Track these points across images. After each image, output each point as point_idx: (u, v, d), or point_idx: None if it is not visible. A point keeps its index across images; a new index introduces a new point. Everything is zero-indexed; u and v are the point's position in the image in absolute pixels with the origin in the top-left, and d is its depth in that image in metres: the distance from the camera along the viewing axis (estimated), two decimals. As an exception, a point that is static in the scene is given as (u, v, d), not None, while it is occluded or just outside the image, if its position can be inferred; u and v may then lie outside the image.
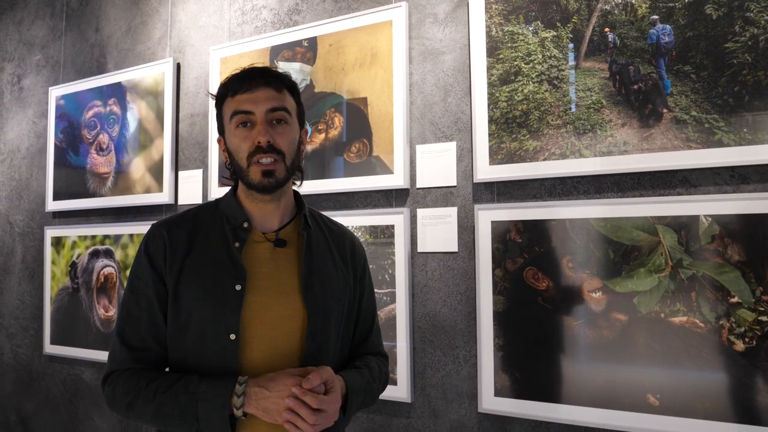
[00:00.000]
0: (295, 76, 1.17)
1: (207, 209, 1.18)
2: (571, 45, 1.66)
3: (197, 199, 2.35)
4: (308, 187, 2.03)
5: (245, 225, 1.13)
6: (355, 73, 1.99)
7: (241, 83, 1.10)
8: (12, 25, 3.12)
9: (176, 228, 1.13)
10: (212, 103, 2.44)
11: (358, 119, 1.97)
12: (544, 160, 1.65)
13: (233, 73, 1.13)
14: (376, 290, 1.86)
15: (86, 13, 2.81)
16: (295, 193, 1.23)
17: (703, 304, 1.44)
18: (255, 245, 1.13)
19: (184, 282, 1.08)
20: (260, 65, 1.14)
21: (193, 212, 1.18)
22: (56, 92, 2.81)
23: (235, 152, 1.10)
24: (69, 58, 2.84)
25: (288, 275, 1.12)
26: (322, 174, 2.02)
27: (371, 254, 1.90)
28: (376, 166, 1.92)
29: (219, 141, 1.18)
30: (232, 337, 1.04)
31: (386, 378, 1.28)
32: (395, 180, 1.87)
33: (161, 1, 2.56)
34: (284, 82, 1.13)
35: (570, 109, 1.63)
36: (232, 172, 1.16)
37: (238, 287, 1.07)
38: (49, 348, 2.73)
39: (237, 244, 1.11)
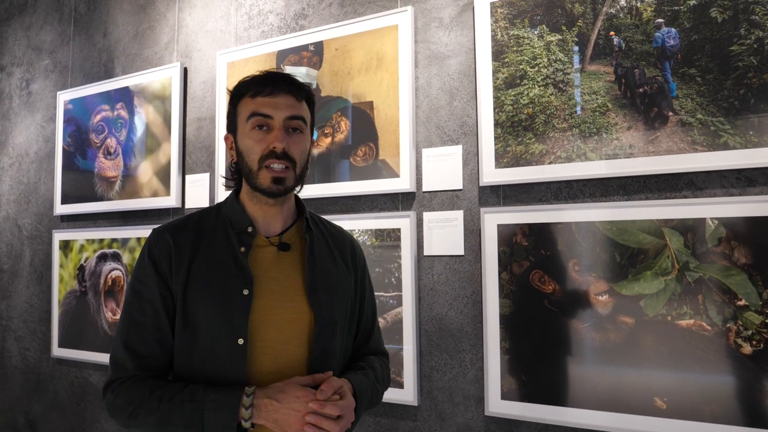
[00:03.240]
0: (301, 81, 1.18)
1: (209, 214, 1.18)
2: (576, 48, 1.66)
3: (204, 203, 2.36)
4: (314, 190, 2.04)
5: (249, 230, 1.13)
6: (361, 77, 2.00)
7: (264, 86, 1.09)
8: (21, 30, 3.15)
9: (180, 233, 1.12)
10: (219, 105, 2.44)
11: (364, 123, 1.97)
12: (550, 163, 1.66)
13: (255, 74, 1.13)
14: (382, 293, 1.87)
15: (94, 18, 2.83)
16: (295, 197, 1.23)
17: (710, 307, 1.44)
18: (259, 249, 1.13)
19: (191, 287, 1.08)
20: (282, 72, 1.15)
21: (196, 217, 1.17)
22: (64, 96, 2.83)
23: (247, 153, 1.10)
24: (77, 63, 2.87)
25: (292, 279, 1.13)
26: (328, 178, 2.03)
27: (377, 257, 1.90)
28: (382, 169, 1.92)
29: (227, 138, 1.17)
30: (240, 341, 1.05)
31: (389, 376, 1.29)
32: (401, 183, 1.88)
33: (168, 6, 2.58)
34: (305, 93, 1.14)
35: (575, 112, 1.64)
36: (234, 171, 1.16)
37: (245, 292, 1.07)
38: (57, 351, 2.74)
39: (243, 249, 1.11)
